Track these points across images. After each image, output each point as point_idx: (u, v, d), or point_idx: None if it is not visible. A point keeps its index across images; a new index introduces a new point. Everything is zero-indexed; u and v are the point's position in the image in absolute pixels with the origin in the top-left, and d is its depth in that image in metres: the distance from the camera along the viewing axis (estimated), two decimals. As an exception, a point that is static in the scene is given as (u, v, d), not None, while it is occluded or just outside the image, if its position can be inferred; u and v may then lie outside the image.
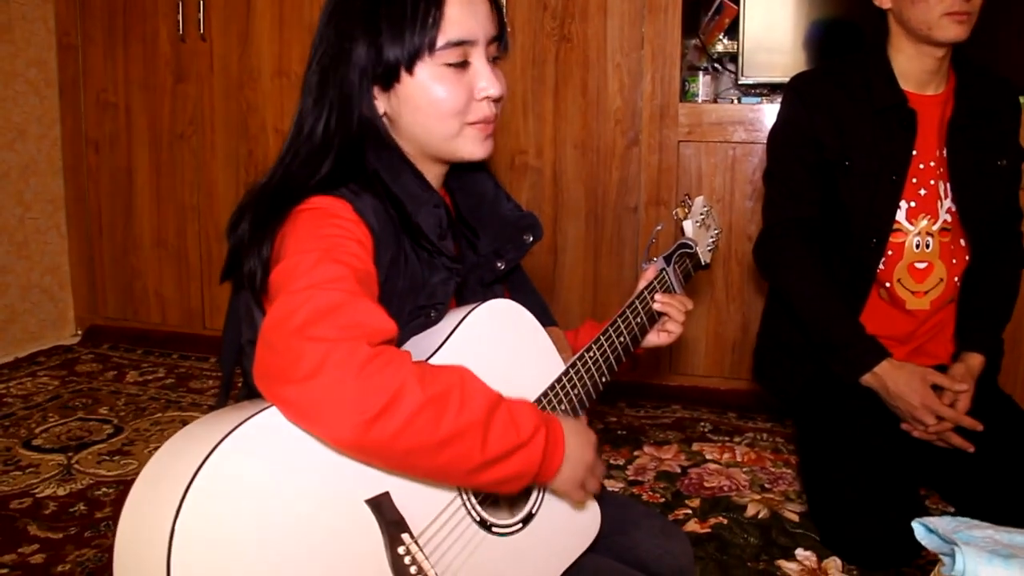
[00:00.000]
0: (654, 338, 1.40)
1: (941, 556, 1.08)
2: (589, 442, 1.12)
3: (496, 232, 1.28)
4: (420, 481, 0.99)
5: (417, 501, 0.98)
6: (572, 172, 2.70)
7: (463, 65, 1.13)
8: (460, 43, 1.12)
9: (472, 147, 1.18)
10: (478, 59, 1.15)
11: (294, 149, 1.14)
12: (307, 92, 1.16)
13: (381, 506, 0.94)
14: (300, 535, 0.88)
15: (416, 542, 0.96)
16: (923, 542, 1.10)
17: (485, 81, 1.14)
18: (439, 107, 1.13)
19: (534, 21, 2.66)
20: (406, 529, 0.95)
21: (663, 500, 2.00)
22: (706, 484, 2.07)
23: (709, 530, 1.84)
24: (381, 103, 1.15)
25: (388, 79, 1.13)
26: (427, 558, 0.96)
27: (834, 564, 1.71)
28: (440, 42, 1.10)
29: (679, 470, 2.16)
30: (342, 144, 1.12)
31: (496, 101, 1.18)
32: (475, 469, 0.94)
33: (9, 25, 2.99)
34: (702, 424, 2.48)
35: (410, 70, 1.11)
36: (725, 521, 1.88)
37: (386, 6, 1.10)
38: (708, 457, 2.24)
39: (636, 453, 2.26)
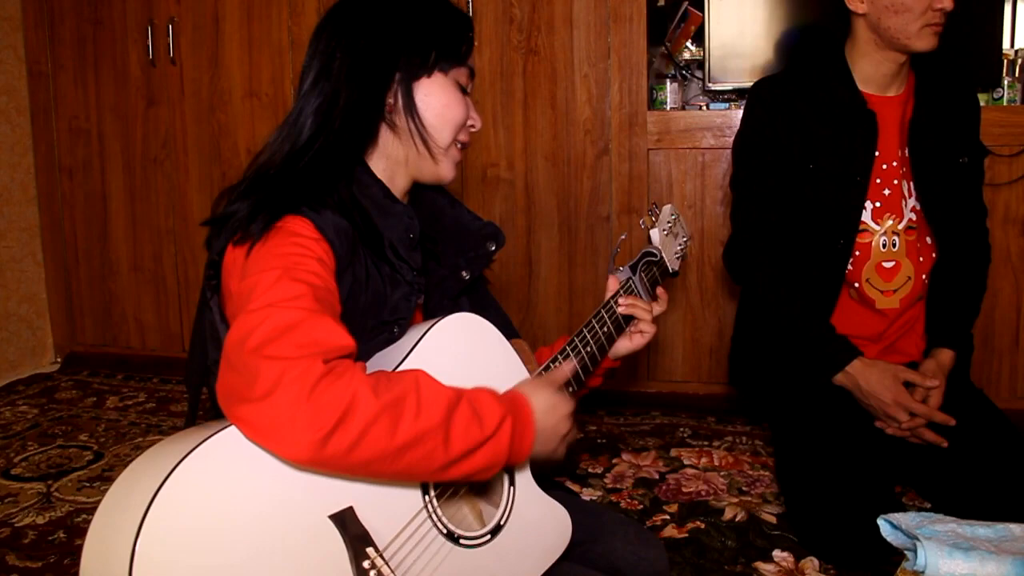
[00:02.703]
0: (627, 343, 1.42)
1: (905, 551, 1.09)
2: (562, 414, 1.13)
3: (459, 243, 1.31)
4: (384, 495, 0.99)
5: (382, 515, 0.99)
6: (544, 183, 2.71)
7: (464, 92, 1.24)
8: (472, 71, 1.26)
9: (448, 168, 1.26)
10: (468, 94, 1.27)
11: (313, 120, 1.17)
12: (323, 75, 1.18)
13: (345, 521, 0.95)
14: (263, 552, 0.88)
15: (381, 555, 0.96)
16: (888, 538, 1.12)
17: (475, 114, 1.27)
18: (450, 112, 1.22)
19: (501, 35, 2.68)
20: (371, 543, 0.96)
21: (641, 507, 2.00)
22: (684, 489, 2.08)
23: (687, 535, 1.85)
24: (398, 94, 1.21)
25: (420, 71, 1.20)
26: (393, 572, 0.96)
27: (811, 564, 1.71)
28: (468, 60, 1.25)
29: (657, 476, 2.17)
30: (346, 122, 1.16)
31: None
32: (442, 468, 0.96)
33: (-22, 55, 3.00)
34: (681, 429, 2.49)
35: (445, 70, 1.21)
36: (703, 525, 1.89)
37: (428, 19, 1.21)
38: (686, 462, 2.25)
39: (614, 461, 2.27)
